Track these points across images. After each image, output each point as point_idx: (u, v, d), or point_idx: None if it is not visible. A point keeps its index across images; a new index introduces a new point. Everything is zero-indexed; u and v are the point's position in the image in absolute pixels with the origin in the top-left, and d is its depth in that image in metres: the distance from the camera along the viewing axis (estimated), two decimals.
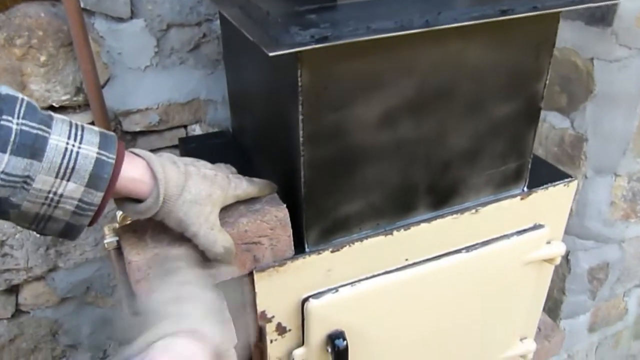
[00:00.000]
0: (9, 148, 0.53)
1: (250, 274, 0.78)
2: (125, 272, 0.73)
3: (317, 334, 0.84)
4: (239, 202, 0.75)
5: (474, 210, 0.89)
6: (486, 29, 0.75)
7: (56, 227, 0.60)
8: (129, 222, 0.88)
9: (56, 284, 1.22)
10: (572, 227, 1.43)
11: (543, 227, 0.97)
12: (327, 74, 0.69)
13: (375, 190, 0.81)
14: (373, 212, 0.83)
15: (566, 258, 1.49)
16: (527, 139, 0.89)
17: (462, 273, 0.93)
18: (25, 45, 0.96)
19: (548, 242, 1.00)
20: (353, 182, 0.78)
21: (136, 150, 0.65)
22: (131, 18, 1.03)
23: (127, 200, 0.64)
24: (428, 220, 0.86)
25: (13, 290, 1.19)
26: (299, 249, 0.80)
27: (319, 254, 0.80)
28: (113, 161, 0.58)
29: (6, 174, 0.53)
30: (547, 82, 0.85)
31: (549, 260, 1.01)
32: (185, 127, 1.19)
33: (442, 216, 0.87)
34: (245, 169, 0.79)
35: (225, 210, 0.73)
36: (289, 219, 0.77)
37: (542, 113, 1.35)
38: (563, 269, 1.52)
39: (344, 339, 0.84)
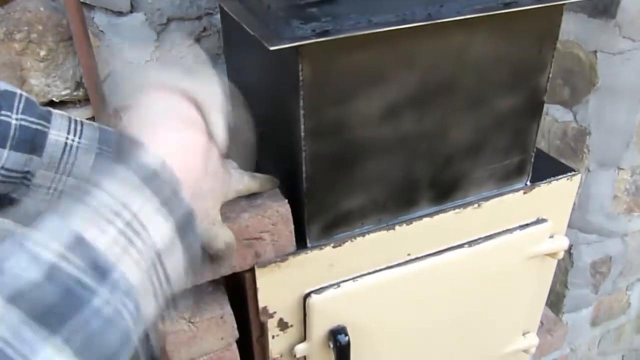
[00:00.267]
0: (9, 143, 0.52)
1: (252, 270, 0.78)
2: None
3: (319, 329, 0.84)
4: (241, 197, 0.75)
5: (476, 205, 0.89)
6: (489, 22, 0.74)
7: None
8: None
9: None
10: (574, 220, 1.42)
11: (546, 222, 0.97)
12: (328, 68, 0.68)
13: (377, 185, 0.80)
14: (375, 207, 0.82)
15: (569, 252, 1.49)
16: (530, 132, 0.89)
17: (464, 268, 0.92)
18: (24, 39, 0.96)
19: (551, 237, 0.99)
20: (355, 176, 0.78)
21: None
22: (131, 12, 1.02)
23: None
24: (430, 215, 0.86)
25: None
26: (301, 244, 0.79)
27: (321, 249, 0.80)
28: None
29: (6, 169, 0.53)
30: (551, 75, 0.84)
31: (552, 255, 1.00)
32: None
33: (444, 211, 0.87)
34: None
35: (227, 205, 0.73)
36: (290, 214, 0.76)
37: (545, 106, 1.34)
38: (566, 263, 1.51)
39: (346, 335, 0.84)
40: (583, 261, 1.49)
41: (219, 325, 0.79)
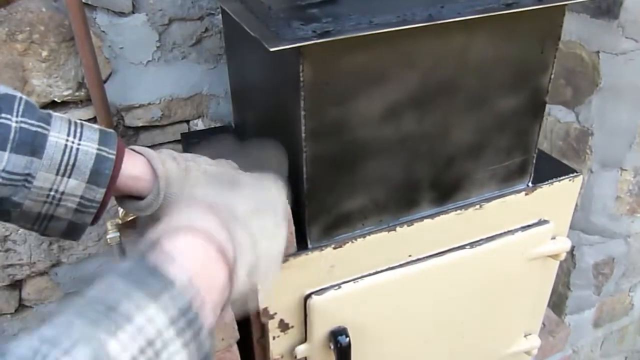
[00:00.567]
0: (9, 146, 0.52)
1: None
2: None
3: (319, 330, 0.84)
4: None
5: (478, 206, 0.88)
6: (490, 23, 0.74)
7: (59, 226, 0.59)
8: (131, 217, 0.88)
9: (59, 279, 1.22)
10: (577, 221, 1.42)
11: (548, 223, 0.96)
12: (329, 69, 0.68)
13: (378, 186, 0.80)
14: (376, 208, 0.82)
15: (571, 253, 1.48)
16: (532, 133, 0.88)
17: (466, 269, 0.92)
18: (26, 40, 0.96)
19: (553, 238, 0.99)
20: (355, 177, 0.78)
21: (136, 148, 0.64)
22: (133, 12, 1.03)
23: (128, 197, 0.64)
24: (431, 216, 0.86)
25: (16, 285, 1.19)
26: (302, 245, 0.79)
27: (322, 250, 0.80)
28: (113, 157, 0.58)
29: (7, 172, 0.53)
30: (553, 76, 0.84)
31: (554, 256, 1.00)
32: (187, 122, 1.19)
33: (445, 212, 0.86)
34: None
35: None
36: (291, 215, 0.76)
37: (547, 107, 1.34)
38: (568, 264, 1.51)
39: (347, 336, 0.84)
40: (585, 262, 1.49)
41: (219, 327, 0.79)
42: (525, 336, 1.12)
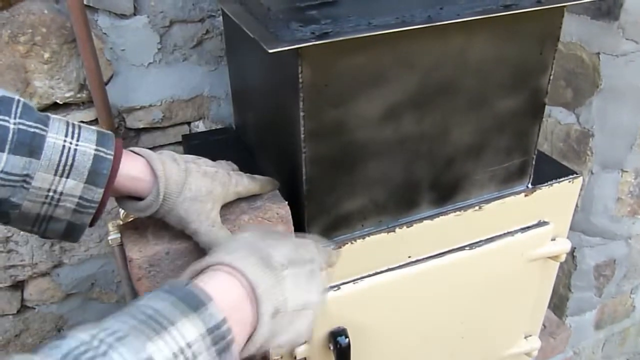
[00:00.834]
0: (7, 147, 0.53)
1: None
2: (127, 268, 0.73)
3: (319, 331, 0.84)
4: (241, 199, 0.75)
5: (477, 207, 0.89)
6: (489, 24, 0.74)
7: (58, 227, 0.60)
8: (131, 218, 0.88)
9: (61, 279, 1.23)
10: (578, 223, 1.42)
11: (548, 224, 0.97)
12: (328, 70, 0.68)
13: (378, 187, 0.81)
14: (375, 209, 0.82)
15: (572, 254, 1.48)
16: (532, 134, 0.89)
17: (465, 270, 0.92)
18: (29, 42, 0.97)
19: (553, 239, 0.99)
20: (355, 178, 0.78)
21: (136, 149, 0.64)
22: (134, 14, 1.03)
23: (128, 198, 0.64)
24: (431, 217, 0.86)
25: (18, 286, 1.20)
26: None
27: None
28: (111, 157, 0.58)
29: (5, 172, 0.53)
30: (552, 77, 0.84)
31: (554, 258, 1.00)
32: (188, 123, 1.19)
33: (445, 213, 0.87)
34: (249, 166, 0.79)
35: (227, 207, 0.73)
36: (290, 215, 0.76)
37: (548, 108, 1.34)
38: (569, 266, 1.51)
39: (347, 337, 0.84)
40: (586, 264, 1.49)
41: None
42: (525, 337, 1.12)
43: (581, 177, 0.97)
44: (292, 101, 0.70)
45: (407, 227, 0.84)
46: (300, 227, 0.78)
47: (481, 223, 0.91)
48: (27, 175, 0.54)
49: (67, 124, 0.58)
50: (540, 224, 0.97)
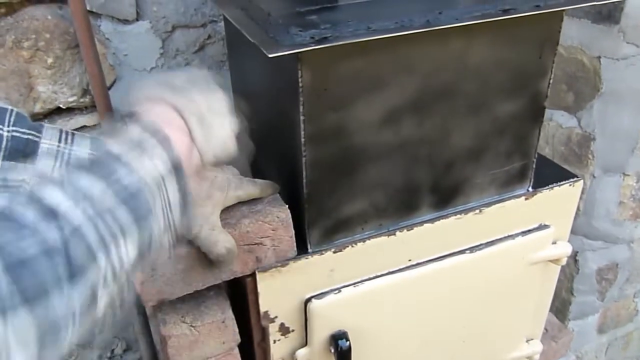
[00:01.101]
0: (1, 154, 0.54)
1: (253, 275, 0.78)
2: None
3: (320, 334, 0.84)
4: (241, 203, 0.75)
5: (477, 211, 0.89)
6: (488, 28, 0.75)
7: None
8: None
9: None
10: (580, 227, 1.41)
11: (548, 228, 0.97)
12: (327, 75, 0.69)
13: (378, 191, 0.81)
14: (376, 212, 0.82)
15: (574, 258, 1.48)
16: (532, 138, 0.89)
17: (466, 273, 0.92)
18: (32, 47, 0.97)
19: (554, 243, 0.99)
20: (355, 182, 0.78)
21: None
22: (136, 20, 1.04)
23: None
24: (431, 221, 0.86)
25: None
26: (302, 249, 0.80)
27: (322, 254, 0.80)
28: None
29: (2, 179, 0.54)
30: (551, 80, 0.85)
31: (555, 261, 1.00)
32: None
33: (445, 216, 0.87)
34: (251, 170, 0.80)
35: (227, 211, 0.74)
36: (290, 219, 0.77)
37: (549, 112, 1.34)
38: (571, 269, 1.50)
39: (347, 340, 0.84)
40: (589, 267, 1.49)
41: (220, 330, 0.79)
42: (527, 341, 1.12)
43: (582, 181, 0.97)
44: (292, 105, 0.71)
45: (408, 230, 0.85)
46: (300, 230, 0.79)
47: (482, 226, 0.91)
48: (23, 180, 0.55)
49: (61, 131, 0.59)
50: (541, 227, 0.97)
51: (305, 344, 0.87)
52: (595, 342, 1.70)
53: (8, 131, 0.55)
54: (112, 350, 1.38)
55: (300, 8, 0.71)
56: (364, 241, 0.82)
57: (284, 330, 0.85)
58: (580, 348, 1.67)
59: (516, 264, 0.97)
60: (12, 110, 0.57)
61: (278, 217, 0.76)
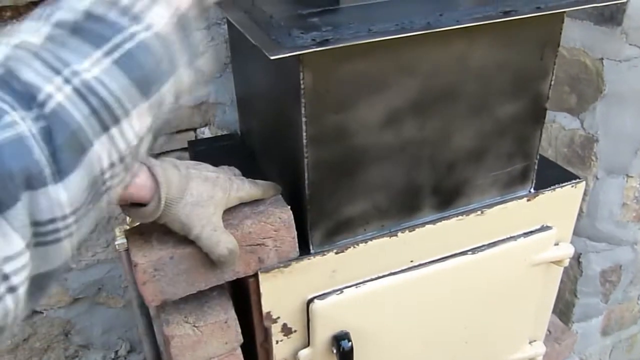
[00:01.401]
0: None
1: (255, 275, 0.79)
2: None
3: (322, 335, 0.85)
4: (243, 204, 0.76)
5: (479, 212, 0.89)
6: (489, 30, 0.75)
7: None
8: (137, 224, 0.89)
9: (68, 284, 1.24)
10: (583, 228, 1.41)
11: (551, 229, 0.97)
12: (329, 76, 0.69)
13: (380, 192, 0.81)
14: (377, 213, 0.83)
15: (578, 260, 1.48)
16: (533, 139, 0.89)
17: (468, 275, 0.93)
18: None
19: (556, 244, 0.99)
20: (357, 183, 0.79)
21: None
22: None
23: (131, 205, 0.66)
24: (433, 222, 0.86)
25: None
26: (304, 250, 0.80)
27: (324, 255, 0.80)
28: None
29: None
30: (553, 82, 0.85)
31: (557, 262, 1.00)
32: (194, 130, 1.21)
33: (447, 217, 0.87)
34: (253, 171, 0.80)
35: (230, 212, 0.74)
36: (293, 220, 0.77)
37: (552, 114, 1.34)
38: (574, 271, 1.50)
39: (350, 340, 0.84)
40: (592, 269, 1.48)
41: (223, 330, 0.80)
42: (530, 342, 1.12)
43: (584, 182, 0.97)
44: (294, 107, 0.71)
45: (410, 231, 0.85)
46: (303, 231, 0.79)
47: (483, 228, 0.91)
48: None
49: None
50: (543, 228, 0.97)
51: (307, 344, 0.87)
52: (599, 344, 1.69)
53: None
54: (116, 352, 1.39)
55: (302, 11, 0.72)
56: (365, 242, 0.83)
57: (287, 330, 0.85)
58: (584, 350, 1.66)
59: (518, 265, 0.97)
60: None
61: (280, 218, 0.76)
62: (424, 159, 0.82)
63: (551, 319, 1.16)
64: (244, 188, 0.73)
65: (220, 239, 0.68)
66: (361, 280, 0.85)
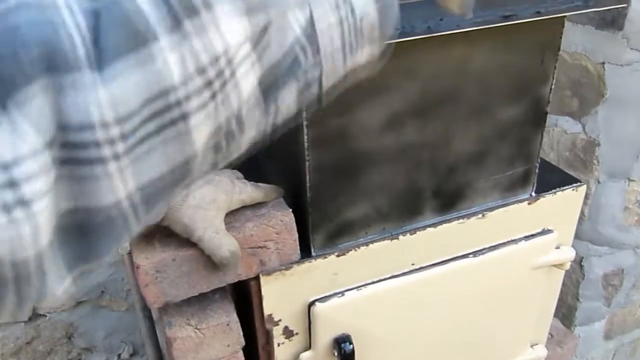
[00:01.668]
0: None
1: (257, 278, 0.79)
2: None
3: (323, 337, 0.85)
4: (245, 207, 0.76)
5: (480, 215, 0.89)
6: (490, 34, 0.75)
7: None
8: None
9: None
10: (585, 232, 1.41)
11: (552, 232, 0.97)
12: None
13: (381, 195, 0.82)
14: (379, 216, 0.83)
15: (580, 264, 1.48)
16: (534, 143, 0.89)
17: (469, 278, 0.93)
18: None
19: (557, 247, 0.99)
20: (358, 186, 0.79)
21: None
22: None
23: None
24: (434, 225, 0.87)
25: None
26: (305, 252, 0.80)
27: (325, 258, 0.81)
28: None
29: None
30: (553, 86, 0.85)
31: (559, 266, 1.00)
32: None
33: (448, 221, 0.87)
34: (255, 174, 0.81)
35: (232, 215, 0.75)
36: (294, 223, 0.78)
37: (554, 118, 1.35)
38: (577, 275, 1.50)
39: (351, 343, 0.84)
40: (594, 273, 1.48)
41: (225, 332, 0.80)
42: (531, 346, 1.12)
43: (585, 186, 0.97)
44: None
45: (411, 234, 0.85)
46: (304, 234, 0.80)
47: (485, 231, 0.91)
48: None
49: None
50: (545, 232, 0.97)
51: (309, 347, 0.87)
52: (601, 348, 1.69)
53: None
54: (119, 355, 1.39)
55: None
56: (367, 245, 0.83)
57: (288, 333, 0.85)
58: (586, 354, 1.66)
59: (520, 268, 0.97)
60: None
61: (282, 221, 0.77)
62: (425, 162, 0.82)
63: (553, 323, 1.16)
64: (246, 191, 0.74)
65: (222, 242, 0.69)
66: (362, 283, 0.86)
